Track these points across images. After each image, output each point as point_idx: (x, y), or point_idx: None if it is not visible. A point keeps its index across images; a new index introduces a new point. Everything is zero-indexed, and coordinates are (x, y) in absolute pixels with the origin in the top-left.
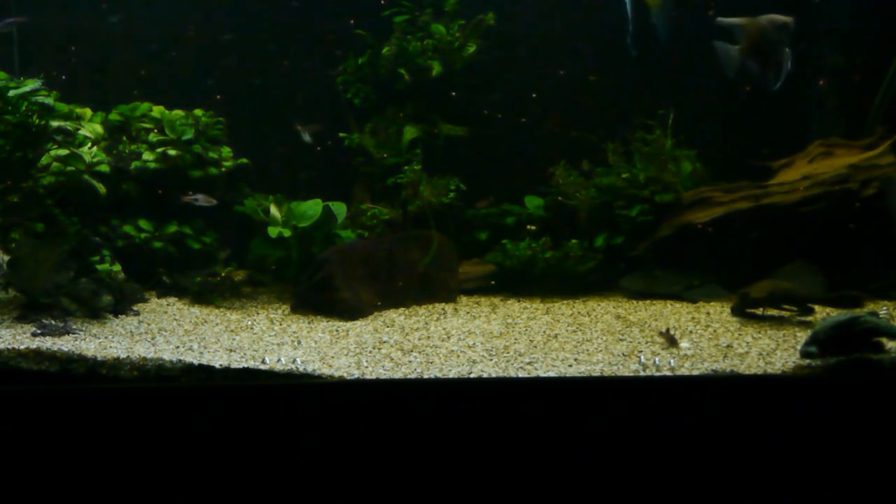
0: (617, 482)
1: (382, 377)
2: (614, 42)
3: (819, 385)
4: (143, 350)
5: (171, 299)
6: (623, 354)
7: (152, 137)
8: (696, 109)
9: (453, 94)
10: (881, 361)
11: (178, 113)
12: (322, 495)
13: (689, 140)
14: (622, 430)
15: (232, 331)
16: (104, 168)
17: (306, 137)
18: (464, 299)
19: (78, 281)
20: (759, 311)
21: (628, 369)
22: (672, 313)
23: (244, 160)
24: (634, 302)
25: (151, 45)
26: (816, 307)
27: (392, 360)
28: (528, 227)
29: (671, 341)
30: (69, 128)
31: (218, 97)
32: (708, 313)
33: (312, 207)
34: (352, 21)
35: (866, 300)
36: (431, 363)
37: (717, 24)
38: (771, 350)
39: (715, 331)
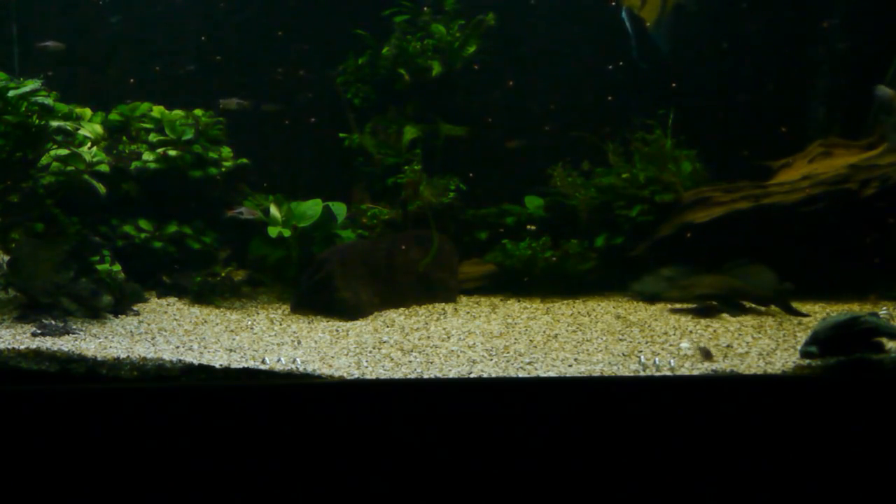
0: (616, 482)
1: (382, 377)
2: (614, 43)
3: (819, 385)
4: (143, 350)
5: (171, 299)
6: (623, 354)
7: (152, 137)
8: (697, 110)
9: (465, 83)
10: (881, 361)
11: (178, 113)
12: (322, 495)
13: (690, 140)
14: (621, 430)
15: (232, 331)
16: (104, 168)
17: (234, 106)
18: (464, 299)
19: (78, 281)
20: (714, 304)
21: (628, 369)
22: (672, 313)
23: (244, 160)
24: (634, 302)
25: (153, 44)
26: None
27: (392, 360)
28: (528, 227)
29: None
30: (69, 128)
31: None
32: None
33: (312, 207)
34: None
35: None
36: (431, 363)
37: (876, 93)
38: (771, 350)
39: (715, 331)
